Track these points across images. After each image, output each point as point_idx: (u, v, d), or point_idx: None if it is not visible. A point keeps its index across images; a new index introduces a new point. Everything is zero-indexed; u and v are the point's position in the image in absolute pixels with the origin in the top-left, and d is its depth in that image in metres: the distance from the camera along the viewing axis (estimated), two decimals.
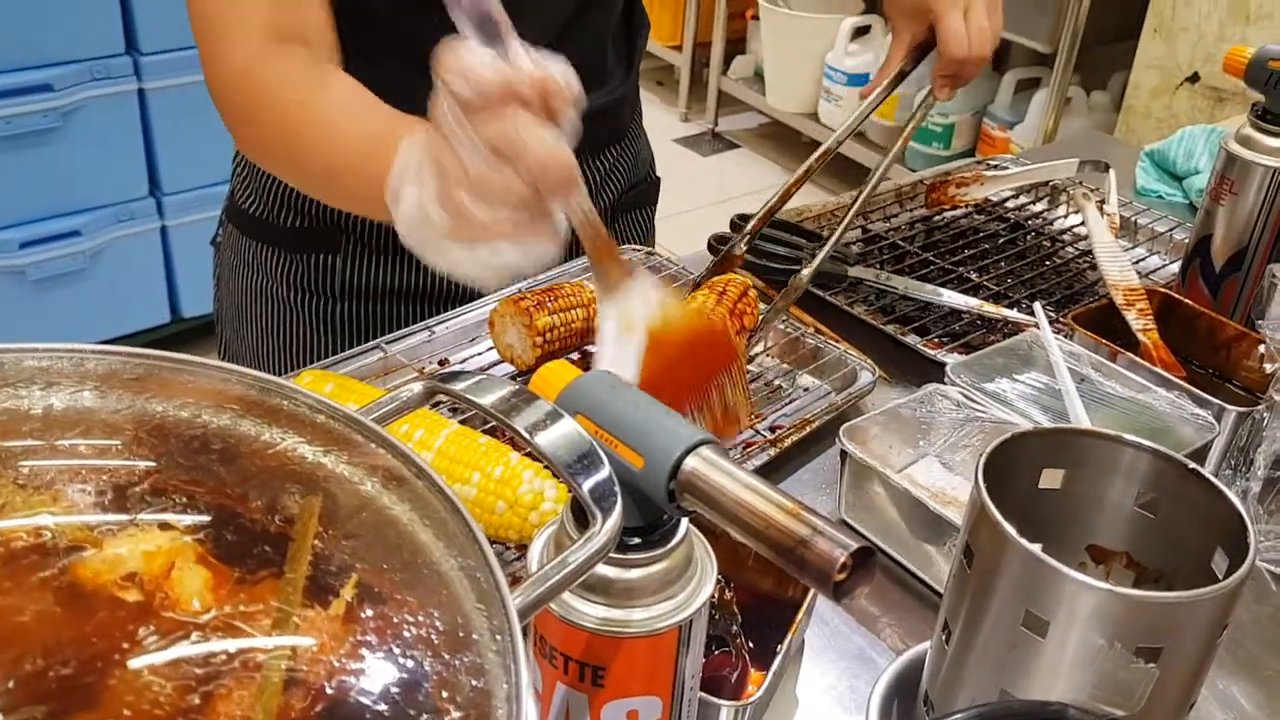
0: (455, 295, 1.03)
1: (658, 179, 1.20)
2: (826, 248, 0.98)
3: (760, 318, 0.96)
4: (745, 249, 1.02)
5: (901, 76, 0.99)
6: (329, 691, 0.35)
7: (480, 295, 1.02)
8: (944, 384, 0.87)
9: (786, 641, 0.67)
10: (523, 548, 0.74)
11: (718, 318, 0.65)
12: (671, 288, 1.05)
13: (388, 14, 0.86)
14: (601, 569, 0.49)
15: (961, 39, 0.91)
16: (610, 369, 0.59)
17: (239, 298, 1.07)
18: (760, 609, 0.71)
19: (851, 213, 1.00)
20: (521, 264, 0.59)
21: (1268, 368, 0.84)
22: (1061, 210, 1.31)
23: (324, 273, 1.01)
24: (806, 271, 0.98)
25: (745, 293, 0.94)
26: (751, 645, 0.69)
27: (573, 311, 0.93)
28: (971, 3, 0.93)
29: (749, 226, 1.03)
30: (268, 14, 0.76)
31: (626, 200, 1.13)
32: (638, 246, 1.12)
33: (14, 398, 0.41)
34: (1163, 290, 1.02)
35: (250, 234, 1.03)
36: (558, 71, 0.56)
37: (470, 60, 0.54)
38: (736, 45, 3.61)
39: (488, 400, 0.46)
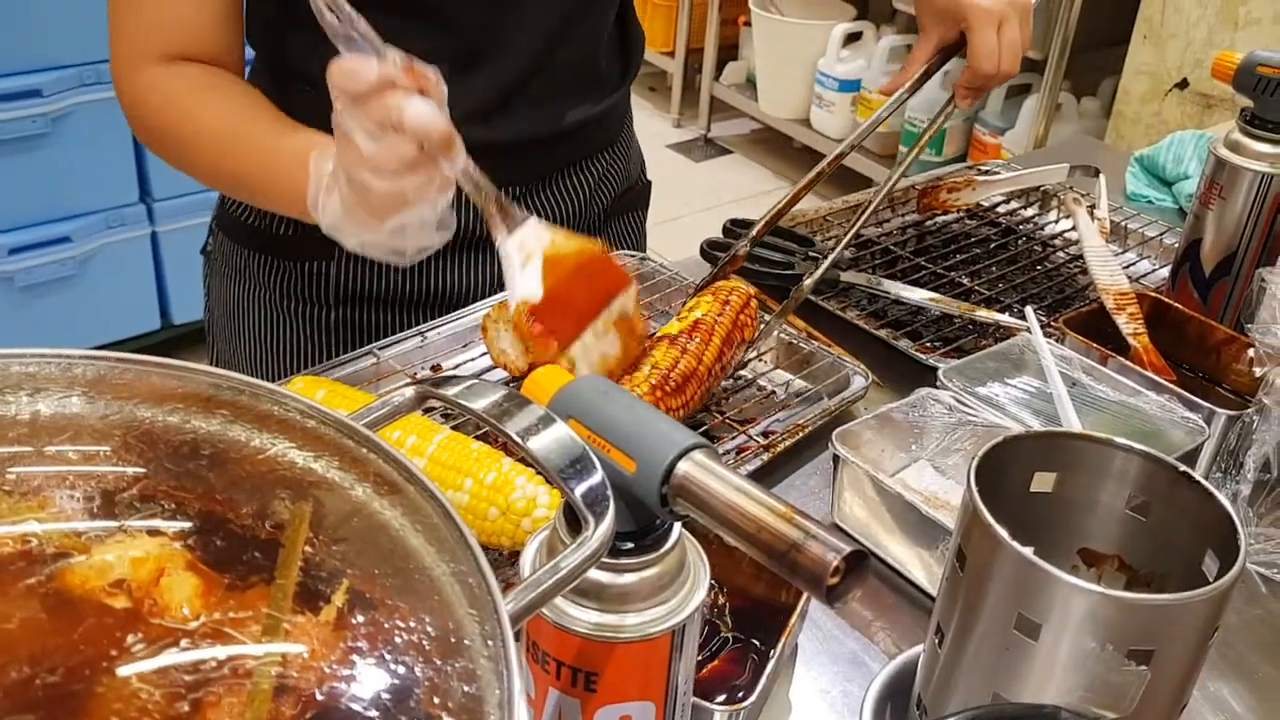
0: (447, 301, 1.03)
1: (649, 183, 1.20)
2: (830, 258, 0.99)
3: (760, 328, 0.96)
4: (746, 252, 1.03)
5: (926, 76, 0.99)
6: (319, 698, 0.34)
7: (472, 299, 1.02)
8: (936, 388, 0.87)
9: (780, 646, 0.67)
10: (516, 554, 0.74)
11: (602, 249, 0.75)
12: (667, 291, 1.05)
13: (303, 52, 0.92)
14: (594, 574, 0.48)
15: (993, 55, 0.91)
16: (521, 293, 0.68)
17: (231, 306, 1.06)
18: (753, 613, 0.71)
19: (859, 223, 1.00)
20: (426, 221, 0.68)
21: (1257, 371, 0.84)
22: (1052, 215, 1.31)
23: (317, 280, 1.01)
24: (808, 281, 0.98)
25: (748, 303, 0.94)
26: (744, 650, 0.69)
27: None
28: (1007, 15, 0.92)
29: (754, 230, 1.02)
30: (166, 40, 0.84)
31: (619, 205, 1.13)
32: (631, 252, 1.12)
33: (0, 404, 0.41)
34: (1153, 294, 1.03)
35: (241, 242, 1.03)
36: (424, 65, 0.66)
37: (350, 62, 0.65)
38: (729, 51, 3.62)
39: (479, 405, 0.46)
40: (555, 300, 0.69)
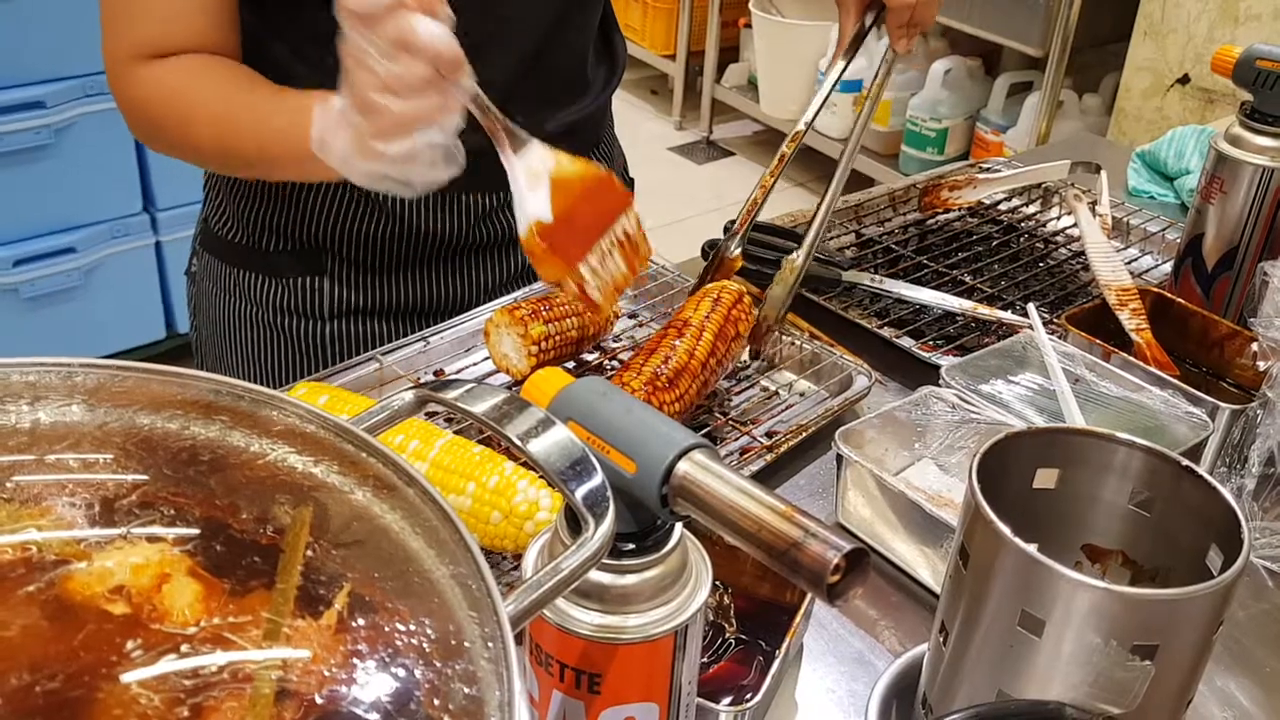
0: (442, 310, 1.03)
1: (631, 180, 1.20)
2: (813, 229, 0.98)
3: (760, 315, 0.96)
4: (739, 252, 1.02)
5: (859, 40, 0.99)
6: (320, 702, 0.34)
7: (467, 307, 1.02)
8: (939, 386, 0.87)
9: (785, 645, 0.67)
10: (519, 558, 0.74)
11: (605, 170, 0.76)
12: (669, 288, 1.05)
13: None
14: (596, 575, 0.48)
15: None
16: (530, 212, 0.69)
17: (221, 326, 1.05)
18: (758, 614, 0.71)
19: (835, 183, 1.00)
20: (436, 144, 0.69)
21: (1261, 365, 0.84)
22: (1054, 212, 1.31)
23: (312, 294, 1.01)
24: (799, 256, 0.97)
25: (739, 299, 0.94)
26: (750, 650, 0.69)
27: (567, 320, 0.93)
28: None
29: (735, 225, 1.02)
30: (160, 31, 0.84)
31: None
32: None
33: (1, 413, 0.41)
34: (1155, 290, 1.02)
35: (230, 261, 1.02)
36: None
37: None
38: (729, 53, 3.62)
39: (480, 408, 0.46)
40: (562, 221, 0.70)
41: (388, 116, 0.68)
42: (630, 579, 0.49)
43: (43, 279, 2.18)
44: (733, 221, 1.16)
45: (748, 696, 0.65)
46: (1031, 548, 0.51)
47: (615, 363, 0.98)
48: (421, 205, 0.98)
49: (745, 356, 0.99)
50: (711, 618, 0.70)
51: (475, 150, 1.04)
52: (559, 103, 1.02)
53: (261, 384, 1.06)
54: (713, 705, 0.62)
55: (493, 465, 0.74)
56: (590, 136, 1.10)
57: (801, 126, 1.00)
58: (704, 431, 0.91)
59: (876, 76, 1.00)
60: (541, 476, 0.74)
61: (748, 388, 0.97)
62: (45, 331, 2.23)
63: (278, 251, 1.00)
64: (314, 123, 0.73)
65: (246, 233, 1.00)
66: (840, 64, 0.99)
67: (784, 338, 1.00)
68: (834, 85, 0.99)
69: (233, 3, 0.86)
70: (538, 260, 0.71)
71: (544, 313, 0.92)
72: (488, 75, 0.95)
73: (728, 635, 0.70)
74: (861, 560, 0.43)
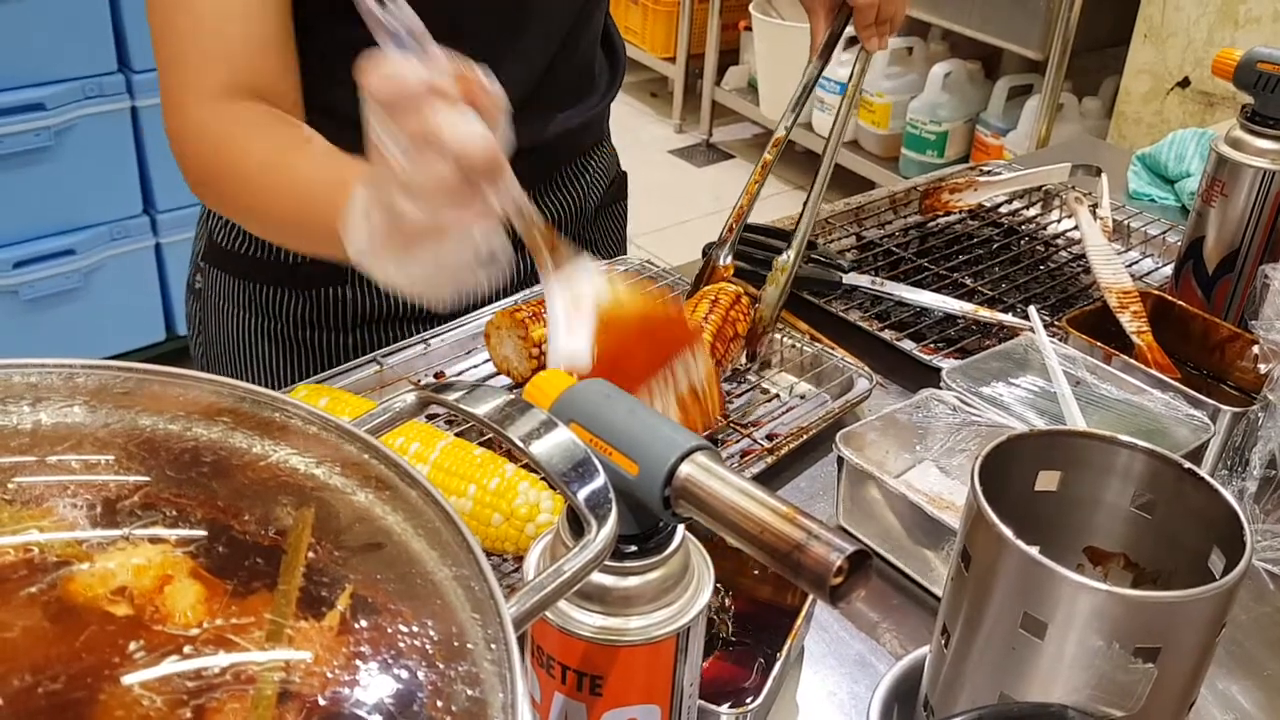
0: (448, 311, 1.02)
1: (624, 173, 1.21)
2: (801, 227, 0.97)
3: (754, 316, 0.95)
4: (731, 256, 1.02)
5: (832, 44, 0.99)
6: (323, 704, 0.34)
7: (468, 310, 1.01)
8: (940, 389, 0.87)
9: (786, 648, 0.67)
10: (520, 560, 0.74)
11: (672, 305, 0.63)
12: (655, 288, 1.05)
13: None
14: (598, 577, 0.48)
15: None
16: (565, 353, 0.58)
17: (231, 340, 1.04)
18: (759, 616, 0.71)
19: (819, 179, 0.99)
20: (465, 258, 0.59)
21: (1262, 368, 0.84)
22: (1055, 215, 1.31)
23: (335, 305, 0.99)
24: (788, 256, 0.96)
25: (737, 300, 0.94)
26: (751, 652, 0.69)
27: None
28: None
29: (723, 233, 1.02)
30: (225, 72, 0.76)
31: (608, 196, 1.15)
32: (626, 258, 1.12)
33: (2, 414, 0.41)
34: (1156, 293, 1.02)
35: (245, 276, 1.00)
36: (480, 73, 0.57)
37: (390, 63, 0.55)
38: (729, 56, 3.62)
39: (481, 410, 0.46)
40: (605, 367, 0.58)
41: (405, 223, 0.58)
42: (632, 581, 0.49)
43: (42, 281, 2.18)
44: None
45: (748, 699, 0.65)
46: (1033, 550, 0.51)
47: None
48: None
49: (743, 359, 0.99)
50: (712, 620, 0.70)
51: None
52: (567, 105, 1.02)
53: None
54: (714, 708, 0.62)
55: (494, 467, 0.74)
56: (595, 136, 1.11)
57: (781, 132, 0.99)
58: (704, 434, 0.91)
59: (852, 76, 1.00)
60: (543, 478, 0.74)
61: (748, 390, 0.97)
62: (45, 333, 2.23)
63: (300, 264, 0.97)
64: (349, 202, 0.62)
65: (263, 246, 0.98)
66: (815, 68, 0.98)
67: (785, 340, 1.00)
68: (809, 89, 0.98)
69: (291, 45, 0.80)
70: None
71: (545, 315, 0.92)
72: (517, 76, 0.95)
73: (729, 637, 0.70)
74: (864, 562, 0.43)
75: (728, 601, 0.71)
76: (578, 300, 0.60)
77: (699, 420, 0.64)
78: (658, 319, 0.62)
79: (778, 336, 1.00)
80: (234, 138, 0.77)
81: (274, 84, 0.79)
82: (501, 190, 0.57)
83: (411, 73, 0.55)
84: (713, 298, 0.93)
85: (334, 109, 0.75)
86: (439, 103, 0.55)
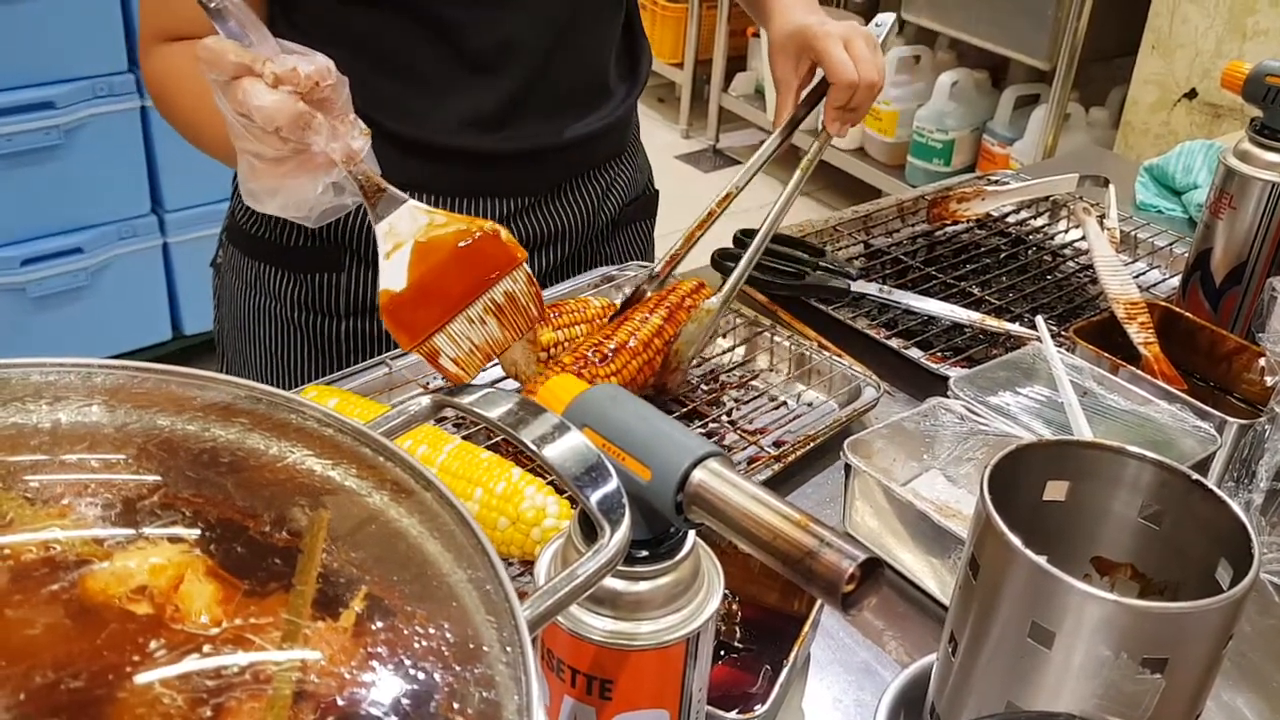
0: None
1: (656, 192, 1.21)
2: (758, 238, 0.95)
3: (671, 350, 0.93)
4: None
5: (795, 125, 0.98)
6: (339, 704, 0.35)
7: None
8: (947, 398, 0.87)
9: (792, 655, 0.67)
10: (524, 563, 0.74)
11: (490, 228, 0.68)
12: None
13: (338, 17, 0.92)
14: (609, 581, 0.49)
15: (848, 64, 0.92)
16: (382, 285, 0.65)
17: (241, 319, 1.07)
18: (767, 623, 0.71)
19: (764, 227, 0.96)
20: (314, 191, 0.68)
21: (1269, 380, 0.84)
22: (1062, 225, 1.31)
23: (327, 291, 1.01)
24: (741, 266, 0.94)
25: (698, 289, 0.96)
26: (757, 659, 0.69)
27: (577, 327, 0.94)
28: (850, 37, 0.94)
29: (659, 270, 0.97)
30: (167, 19, 0.90)
31: (628, 213, 1.14)
32: (643, 263, 1.12)
33: (21, 412, 0.42)
34: (1163, 304, 1.03)
35: (252, 254, 1.04)
36: (306, 61, 0.66)
37: (212, 45, 0.65)
38: (737, 62, 3.63)
39: (495, 414, 0.47)
40: (422, 290, 0.65)
41: (258, 167, 0.69)
42: (643, 586, 0.49)
43: (50, 279, 2.18)
44: (744, 231, 1.17)
45: (755, 705, 0.65)
46: (1042, 559, 0.51)
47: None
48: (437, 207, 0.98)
49: (717, 366, 0.99)
50: (720, 626, 0.70)
51: (490, 155, 1.05)
52: (576, 112, 1.02)
53: (278, 377, 1.07)
54: (721, 713, 0.62)
55: (500, 471, 0.75)
56: (613, 146, 1.09)
57: (732, 189, 0.99)
58: (710, 440, 0.91)
59: (810, 151, 0.98)
60: (553, 482, 0.74)
61: (755, 397, 0.97)
62: (52, 331, 2.23)
63: (297, 247, 1.00)
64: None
65: (268, 227, 1.01)
66: (774, 142, 0.98)
67: (792, 347, 1.00)
68: (765, 160, 0.97)
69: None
70: (390, 329, 0.66)
71: (554, 319, 0.92)
72: (493, 87, 0.96)
73: (736, 643, 0.70)
74: (875, 570, 0.44)
75: (735, 608, 0.71)
76: (393, 235, 0.67)
77: (520, 324, 0.69)
78: (476, 241, 0.67)
79: (785, 344, 1.00)
80: (170, 76, 0.90)
81: (197, 29, 0.87)
82: (318, 141, 0.67)
83: (226, 54, 0.65)
84: (671, 287, 0.95)
85: None
86: (247, 80, 0.65)
